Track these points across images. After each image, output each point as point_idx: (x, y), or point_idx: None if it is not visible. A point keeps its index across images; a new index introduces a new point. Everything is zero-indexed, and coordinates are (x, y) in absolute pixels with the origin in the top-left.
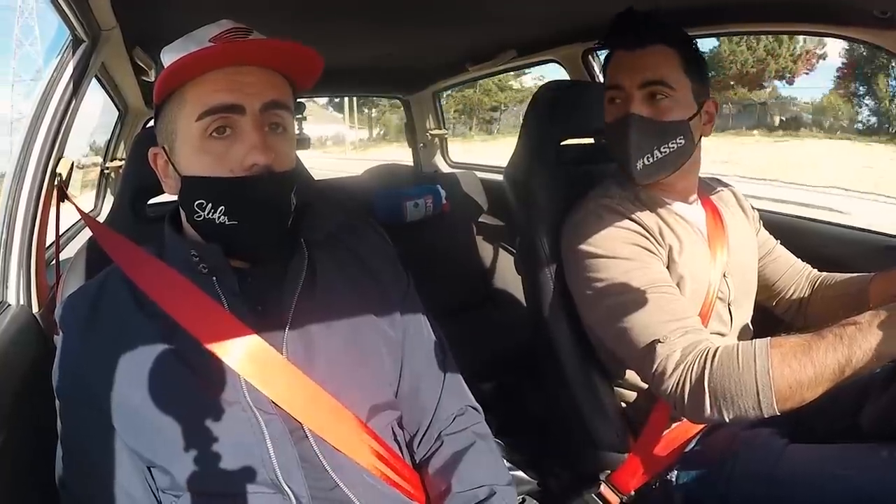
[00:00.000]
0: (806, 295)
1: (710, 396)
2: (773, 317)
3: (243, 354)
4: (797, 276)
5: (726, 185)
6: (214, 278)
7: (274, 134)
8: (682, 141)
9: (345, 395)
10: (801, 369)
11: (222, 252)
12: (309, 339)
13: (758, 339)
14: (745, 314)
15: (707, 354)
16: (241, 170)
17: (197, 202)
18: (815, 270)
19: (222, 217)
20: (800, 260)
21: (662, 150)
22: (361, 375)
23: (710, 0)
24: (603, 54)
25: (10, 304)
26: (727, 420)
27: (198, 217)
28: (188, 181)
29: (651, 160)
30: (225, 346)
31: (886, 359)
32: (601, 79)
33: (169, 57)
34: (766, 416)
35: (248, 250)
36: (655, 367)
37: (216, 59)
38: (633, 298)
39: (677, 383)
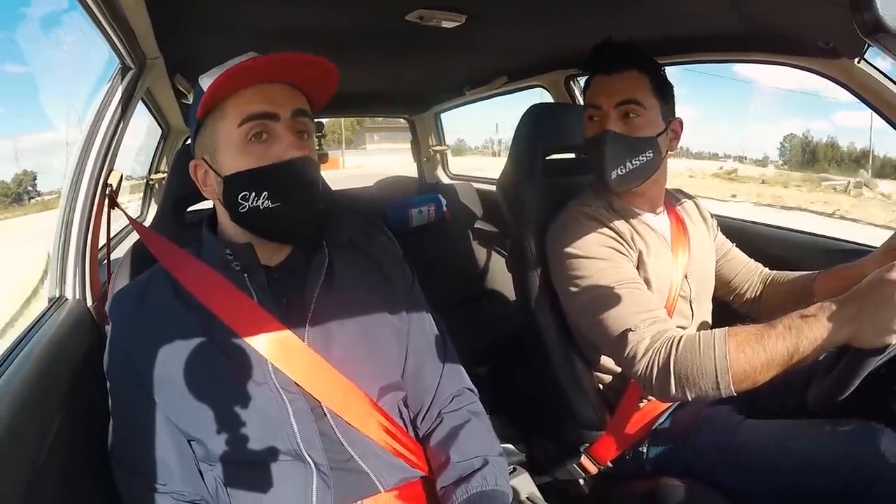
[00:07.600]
0: (759, 291)
1: (675, 378)
2: (731, 311)
3: (270, 341)
4: (751, 274)
5: (689, 197)
6: (246, 275)
7: (301, 139)
8: (651, 154)
9: (358, 377)
10: (754, 355)
11: (254, 253)
12: (327, 329)
13: (717, 329)
14: (705, 310)
15: (673, 341)
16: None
17: (241, 195)
18: (767, 269)
19: (266, 202)
20: (753, 260)
21: (634, 162)
22: (372, 360)
23: (676, 33)
24: (584, 80)
25: (67, 299)
26: (689, 399)
27: (242, 209)
28: (232, 178)
29: (624, 171)
30: (255, 334)
31: (829, 347)
32: (581, 101)
33: (207, 81)
34: (724, 395)
35: (289, 230)
36: (627, 352)
37: (252, 71)
38: (607, 293)
39: (646, 367)
